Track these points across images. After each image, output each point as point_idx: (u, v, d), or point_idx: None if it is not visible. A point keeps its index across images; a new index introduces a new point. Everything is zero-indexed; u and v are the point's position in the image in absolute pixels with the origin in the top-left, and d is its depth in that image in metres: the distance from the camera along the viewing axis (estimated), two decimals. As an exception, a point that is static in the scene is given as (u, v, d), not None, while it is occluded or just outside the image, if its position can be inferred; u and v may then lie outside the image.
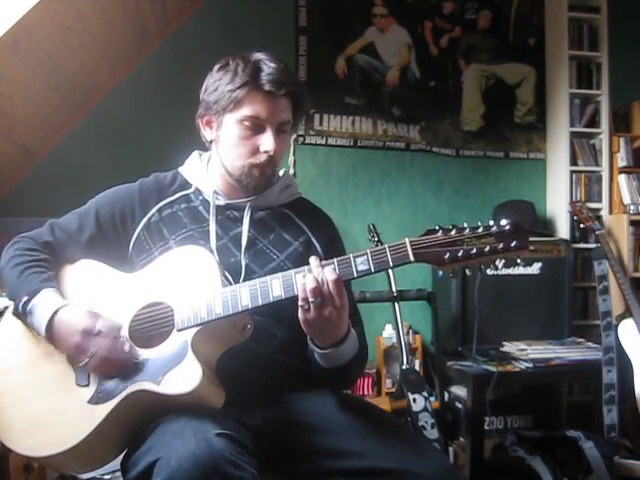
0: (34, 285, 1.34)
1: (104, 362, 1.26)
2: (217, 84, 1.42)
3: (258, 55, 1.43)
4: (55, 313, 1.29)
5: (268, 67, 1.40)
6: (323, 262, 1.24)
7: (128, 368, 1.26)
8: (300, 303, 1.21)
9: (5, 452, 1.29)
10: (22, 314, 1.33)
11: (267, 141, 1.41)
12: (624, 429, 2.69)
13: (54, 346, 1.31)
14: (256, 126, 1.41)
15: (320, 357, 1.33)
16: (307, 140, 3.52)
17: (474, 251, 1.19)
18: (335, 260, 1.24)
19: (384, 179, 3.64)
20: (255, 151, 1.42)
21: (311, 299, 1.19)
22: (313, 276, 1.20)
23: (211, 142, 1.50)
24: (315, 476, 1.29)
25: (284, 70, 1.42)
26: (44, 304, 1.31)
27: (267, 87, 1.38)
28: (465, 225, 1.22)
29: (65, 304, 1.31)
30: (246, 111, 1.40)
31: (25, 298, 1.32)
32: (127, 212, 1.49)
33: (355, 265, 1.23)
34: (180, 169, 1.59)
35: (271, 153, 1.41)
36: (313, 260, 1.24)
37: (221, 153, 1.48)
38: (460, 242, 1.20)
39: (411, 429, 2.40)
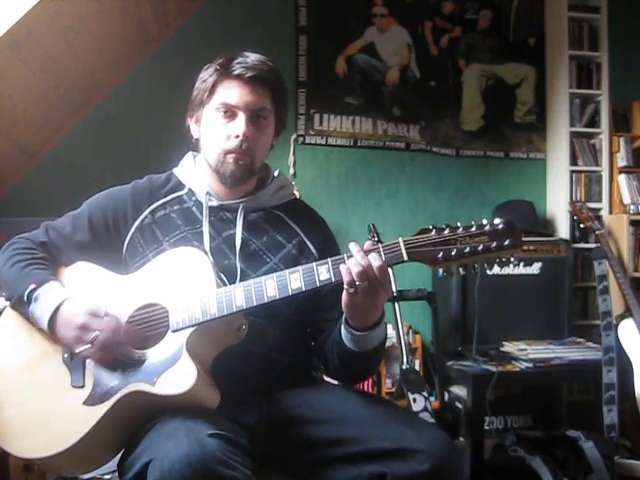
0: (41, 276, 1.36)
1: (104, 348, 1.26)
2: (198, 82, 1.47)
3: (242, 52, 1.46)
4: (63, 301, 1.30)
5: (243, 57, 1.43)
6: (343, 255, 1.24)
7: (124, 363, 1.26)
8: (346, 287, 1.22)
9: (5, 452, 1.30)
10: (26, 302, 1.32)
11: (237, 125, 1.41)
12: (624, 429, 2.68)
13: (55, 333, 1.30)
14: (229, 113, 1.43)
15: (354, 341, 1.32)
16: (307, 140, 3.51)
17: (467, 250, 1.20)
18: (329, 260, 1.24)
19: (384, 179, 3.64)
20: (228, 137, 1.43)
21: (358, 282, 1.20)
22: (356, 260, 1.21)
23: (197, 139, 1.52)
24: (316, 466, 1.30)
25: (262, 62, 1.44)
26: (52, 292, 1.32)
27: (236, 71, 1.41)
28: (459, 224, 1.22)
29: (72, 295, 1.32)
30: (218, 97, 1.43)
31: (32, 286, 1.32)
32: (119, 215, 1.49)
33: None
34: (174, 170, 1.59)
35: (241, 137, 1.41)
36: (353, 246, 1.24)
37: (204, 147, 1.50)
38: (453, 241, 1.20)
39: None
